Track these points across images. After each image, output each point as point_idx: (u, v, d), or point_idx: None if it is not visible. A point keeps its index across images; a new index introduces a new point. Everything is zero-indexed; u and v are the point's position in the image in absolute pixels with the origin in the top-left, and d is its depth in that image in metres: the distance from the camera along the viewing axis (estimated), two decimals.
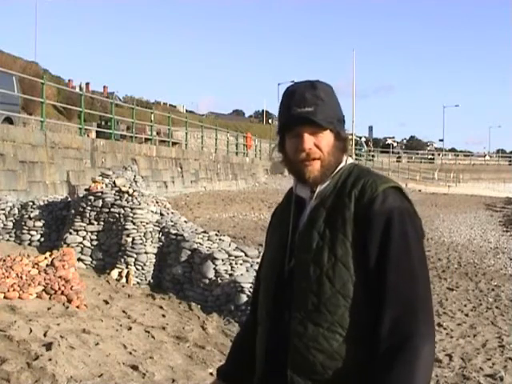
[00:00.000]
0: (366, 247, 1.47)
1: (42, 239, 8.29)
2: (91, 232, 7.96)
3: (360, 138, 75.62)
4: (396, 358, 1.39)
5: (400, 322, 1.42)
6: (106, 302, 6.40)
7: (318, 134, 1.55)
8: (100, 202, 8.05)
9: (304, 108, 1.53)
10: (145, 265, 7.70)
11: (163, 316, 6.29)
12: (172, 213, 8.68)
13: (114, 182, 8.29)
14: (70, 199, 8.90)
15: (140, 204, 8.06)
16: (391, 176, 40.86)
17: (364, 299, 1.47)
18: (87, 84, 45.05)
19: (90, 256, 7.89)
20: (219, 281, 7.02)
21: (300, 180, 1.60)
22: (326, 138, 1.56)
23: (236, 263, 7.30)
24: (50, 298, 5.93)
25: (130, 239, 7.75)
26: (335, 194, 1.55)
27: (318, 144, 1.55)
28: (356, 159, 46.92)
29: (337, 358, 1.46)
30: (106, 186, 8.26)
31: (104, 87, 49.62)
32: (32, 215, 8.39)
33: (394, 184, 1.55)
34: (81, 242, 7.91)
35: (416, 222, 1.53)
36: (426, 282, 1.49)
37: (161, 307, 6.64)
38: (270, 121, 70.76)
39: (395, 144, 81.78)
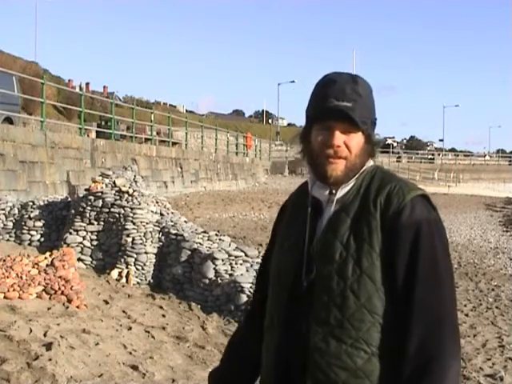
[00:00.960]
0: (394, 260, 1.40)
1: (42, 239, 8.29)
2: (91, 232, 7.96)
3: None
4: (422, 378, 1.34)
5: (427, 340, 1.36)
6: (106, 302, 6.40)
7: (350, 133, 1.45)
8: (100, 202, 8.05)
9: (342, 102, 1.43)
10: (145, 265, 7.70)
11: (163, 316, 6.29)
12: (172, 213, 8.68)
13: (114, 182, 8.29)
14: (69, 199, 8.90)
15: (140, 204, 8.05)
16: None
17: (390, 315, 1.41)
18: (87, 84, 45.07)
19: (90, 256, 7.89)
20: (219, 281, 7.02)
21: (319, 177, 1.49)
22: (357, 139, 1.47)
23: (236, 263, 7.30)
24: (49, 298, 5.93)
25: (129, 239, 7.75)
26: (359, 201, 1.47)
27: (348, 143, 1.46)
28: None
29: (361, 375, 1.39)
30: (106, 186, 8.26)
31: (104, 87, 49.67)
32: (32, 215, 8.39)
33: (421, 192, 1.48)
34: (81, 242, 7.91)
35: (443, 233, 1.47)
36: (453, 298, 1.44)
37: (161, 307, 6.64)
38: (270, 121, 70.76)
39: (395, 144, 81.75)
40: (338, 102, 1.43)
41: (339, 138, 1.44)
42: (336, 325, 1.40)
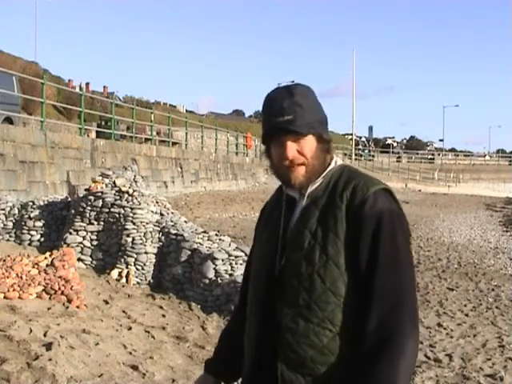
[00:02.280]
0: (357, 247, 1.52)
1: (42, 239, 8.29)
2: (91, 232, 7.96)
3: (360, 138, 75.69)
4: (380, 355, 1.44)
5: (385, 320, 1.47)
6: (106, 302, 6.40)
7: (300, 141, 1.58)
8: (100, 202, 8.05)
9: (283, 117, 1.56)
10: (145, 265, 7.70)
11: (163, 316, 6.29)
12: (172, 213, 8.68)
13: (114, 182, 8.29)
14: (69, 199, 8.90)
15: (140, 204, 8.05)
16: (391, 176, 40.90)
17: (353, 297, 1.52)
18: (87, 84, 45.04)
19: (90, 256, 7.89)
20: (219, 281, 7.02)
21: (286, 185, 1.65)
22: (309, 143, 1.59)
23: (236, 263, 7.30)
24: (50, 298, 5.93)
25: (130, 239, 7.75)
26: (327, 195, 1.60)
27: (301, 150, 1.58)
28: (356, 159, 46.94)
29: (326, 353, 1.51)
30: (106, 186, 8.26)
31: (104, 87, 49.61)
32: (32, 215, 8.39)
33: (384, 186, 1.60)
34: (81, 242, 7.91)
35: (404, 224, 1.58)
36: (411, 283, 1.54)
37: (161, 307, 6.64)
38: None
39: (395, 144, 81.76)
40: (279, 119, 1.56)
41: (291, 149, 1.58)
42: (304, 306, 1.53)
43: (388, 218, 1.53)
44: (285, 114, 1.56)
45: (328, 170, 1.65)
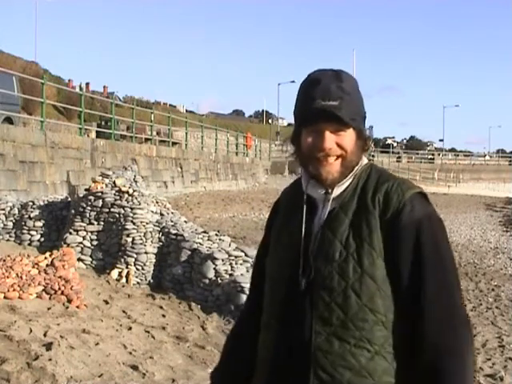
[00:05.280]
0: (398, 259, 1.40)
1: (42, 239, 8.29)
2: (91, 232, 7.96)
3: None
4: (441, 370, 1.35)
5: (441, 336, 1.37)
6: (106, 302, 6.40)
7: (341, 132, 1.43)
8: (100, 202, 8.05)
9: (328, 101, 1.39)
10: (145, 265, 7.70)
11: (163, 316, 6.29)
12: (172, 213, 8.68)
13: (114, 182, 8.29)
14: (69, 199, 8.90)
15: (140, 204, 8.05)
16: None
17: (393, 313, 1.41)
18: (87, 84, 45.10)
19: (90, 256, 7.89)
20: (219, 281, 7.02)
21: (316, 178, 1.47)
22: (349, 136, 1.44)
23: (236, 263, 7.30)
24: (49, 298, 5.93)
25: (130, 239, 7.75)
26: (356, 200, 1.45)
27: (340, 142, 1.43)
28: None
29: (365, 374, 1.39)
30: (106, 186, 8.26)
31: (104, 87, 49.67)
32: (32, 215, 8.39)
33: (419, 189, 1.47)
34: (81, 242, 7.91)
35: (443, 227, 1.47)
36: (459, 291, 1.45)
37: (161, 307, 6.64)
38: (269, 121, 70.78)
39: (395, 144, 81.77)
40: (324, 102, 1.40)
41: (330, 140, 1.42)
42: (339, 325, 1.39)
43: (428, 226, 1.41)
44: (331, 99, 1.39)
45: (354, 170, 1.49)
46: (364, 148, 1.49)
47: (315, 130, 1.43)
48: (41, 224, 8.33)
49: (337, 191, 1.47)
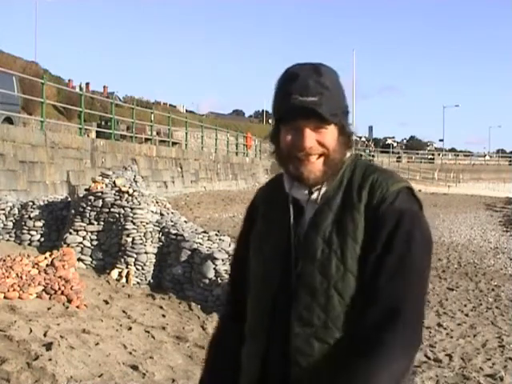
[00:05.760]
0: (368, 248, 1.32)
1: (42, 239, 8.29)
2: (91, 232, 7.96)
3: (360, 138, 75.68)
4: (359, 364, 1.27)
5: (376, 325, 1.28)
6: (106, 302, 6.40)
7: (321, 129, 1.35)
8: (100, 202, 8.05)
9: (307, 97, 1.31)
10: (145, 265, 7.70)
11: (163, 316, 6.29)
12: (172, 213, 8.68)
13: (114, 182, 8.29)
14: (69, 199, 8.90)
15: (140, 204, 8.05)
16: None
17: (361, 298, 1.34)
18: (87, 84, 45.10)
19: (90, 256, 7.89)
20: (219, 281, 7.02)
21: (296, 179, 1.40)
22: (331, 133, 1.36)
23: None
24: (49, 298, 5.93)
25: (130, 239, 7.75)
26: (342, 195, 1.38)
27: (321, 140, 1.35)
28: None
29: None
30: (106, 186, 8.26)
31: (104, 87, 49.67)
32: (32, 215, 8.38)
33: (406, 184, 1.40)
34: (81, 242, 7.91)
35: (425, 228, 1.36)
36: (419, 294, 1.33)
37: (161, 307, 6.64)
38: (269, 121, 70.81)
39: (395, 144, 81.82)
40: (302, 98, 1.31)
41: (310, 138, 1.34)
42: (320, 325, 1.33)
43: (408, 220, 1.32)
44: (310, 94, 1.31)
45: (343, 166, 1.42)
46: (348, 144, 1.41)
47: (294, 128, 1.35)
48: (41, 224, 8.33)
49: (323, 189, 1.39)
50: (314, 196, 1.40)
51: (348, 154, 1.44)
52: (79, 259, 7.76)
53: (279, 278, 1.39)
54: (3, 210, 8.54)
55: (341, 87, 1.40)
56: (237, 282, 1.58)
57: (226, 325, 1.62)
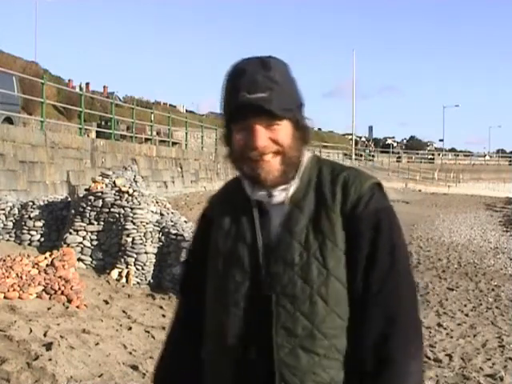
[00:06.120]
0: (355, 254, 1.27)
1: (42, 239, 8.29)
2: (91, 232, 7.96)
3: (360, 138, 75.74)
4: (387, 374, 1.22)
5: (383, 339, 1.23)
6: (106, 302, 6.40)
7: (274, 126, 1.26)
8: (100, 202, 8.06)
9: (256, 94, 1.22)
10: (145, 265, 7.70)
11: (163, 316, 6.29)
12: (172, 213, 8.68)
13: (114, 182, 8.29)
14: (69, 199, 8.90)
15: (140, 204, 8.06)
16: (391, 176, 40.91)
17: (351, 315, 1.28)
18: (87, 84, 45.07)
19: (90, 256, 7.89)
20: None
21: (253, 182, 1.31)
22: (285, 129, 1.27)
23: None
24: (49, 298, 5.93)
25: (130, 239, 7.75)
26: (314, 195, 1.31)
27: (275, 138, 1.26)
28: (356, 159, 46.98)
29: None
30: (106, 186, 8.26)
31: (104, 87, 49.62)
32: (32, 215, 8.39)
33: (376, 180, 1.36)
34: (81, 242, 7.91)
35: (398, 223, 1.35)
36: (413, 293, 1.32)
37: (161, 307, 6.64)
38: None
39: (395, 144, 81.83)
40: (250, 95, 1.23)
41: (262, 136, 1.25)
42: (305, 335, 1.24)
43: (386, 220, 1.30)
44: (258, 91, 1.22)
45: (304, 164, 1.35)
46: (304, 139, 1.32)
47: (245, 127, 1.26)
48: (41, 224, 8.33)
49: (290, 190, 1.32)
50: (280, 198, 1.31)
51: (308, 154, 1.38)
52: (79, 259, 7.76)
53: (248, 288, 1.29)
54: (3, 209, 8.54)
55: (292, 80, 1.31)
56: (188, 300, 1.47)
57: (174, 352, 1.46)
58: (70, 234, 7.94)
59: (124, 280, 7.55)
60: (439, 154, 62.91)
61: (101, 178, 8.46)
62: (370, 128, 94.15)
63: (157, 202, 8.69)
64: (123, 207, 7.97)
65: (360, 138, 76.43)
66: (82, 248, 7.89)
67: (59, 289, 6.03)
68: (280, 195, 1.32)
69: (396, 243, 1.30)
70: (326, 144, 46.59)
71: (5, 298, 5.65)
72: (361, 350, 1.25)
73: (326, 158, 1.46)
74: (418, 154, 62.16)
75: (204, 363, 1.38)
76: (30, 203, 8.63)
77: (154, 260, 7.79)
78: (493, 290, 9.05)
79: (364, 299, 1.26)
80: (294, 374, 1.24)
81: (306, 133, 1.32)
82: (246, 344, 1.28)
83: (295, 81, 1.32)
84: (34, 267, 6.34)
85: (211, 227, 1.40)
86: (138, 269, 7.67)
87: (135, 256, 7.68)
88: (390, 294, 1.26)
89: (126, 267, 7.65)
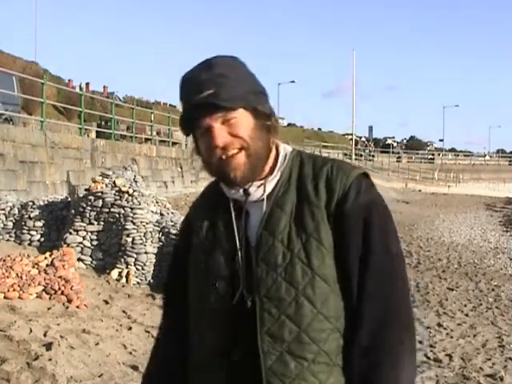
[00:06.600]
0: (345, 252, 1.22)
1: (42, 239, 8.29)
2: (91, 232, 7.97)
3: (360, 138, 75.76)
4: (376, 377, 1.19)
5: (378, 338, 1.20)
6: (106, 302, 6.40)
7: (230, 120, 1.22)
8: (100, 202, 8.06)
9: (202, 93, 1.20)
10: (145, 265, 7.70)
11: None
12: (172, 213, 8.68)
13: (114, 182, 8.29)
14: (69, 199, 8.90)
15: (140, 204, 8.06)
16: (391, 176, 40.91)
17: (346, 315, 1.24)
18: (87, 84, 45.11)
19: (90, 256, 7.90)
20: None
21: (227, 183, 1.28)
22: (243, 120, 1.22)
23: None
24: (49, 298, 5.93)
25: (130, 239, 7.75)
26: (295, 191, 1.26)
27: (234, 131, 1.22)
28: (356, 159, 46.99)
29: None
30: (106, 186, 8.26)
31: (104, 87, 49.67)
32: (32, 215, 8.39)
33: (362, 170, 1.30)
34: (81, 242, 7.91)
35: (390, 214, 1.29)
36: (406, 288, 1.27)
37: (161, 307, 6.64)
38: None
39: (395, 144, 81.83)
40: (198, 96, 1.20)
41: (220, 133, 1.22)
42: (292, 340, 1.20)
43: (377, 213, 1.24)
44: (203, 89, 1.20)
45: (281, 159, 1.30)
46: (269, 127, 1.26)
47: (204, 129, 1.23)
48: (41, 224, 8.34)
49: (267, 186, 1.27)
50: (257, 195, 1.27)
51: (289, 148, 1.33)
52: (79, 259, 7.76)
53: (226, 292, 1.25)
54: (3, 209, 8.54)
55: (243, 70, 1.27)
56: (172, 310, 1.45)
57: (160, 365, 1.42)
58: (70, 234, 7.94)
59: (124, 280, 7.55)
60: (439, 154, 62.92)
61: (101, 177, 8.46)
62: (370, 128, 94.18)
63: (157, 202, 8.70)
64: (123, 207, 7.97)
65: (360, 138, 76.44)
66: (81, 248, 7.90)
67: (59, 289, 6.03)
68: (257, 192, 1.27)
69: (389, 238, 1.25)
70: (325, 144, 46.64)
71: (5, 298, 5.65)
72: (353, 351, 1.21)
73: (308, 152, 1.39)
74: (418, 154, 62.15)
75: (190, 376, 1.34)
76: (30, 203, 8.63)
77: (153, 260, 7.79)
78: (493, 290, 9.05)
79: (356, 299, 1.22)
80: (282, 381, 1.20)
81: (269, 121, 1.26)
82: (230, 353, 1.23)
83: (247, 71, 1.28)
84: (34, 267, 6.34)
85: (192, 227, 1.37)
86: (137, 269, 7.67)
87: (135, 256, 7.68)
88: (383, 294, 1.21)
89: (126, 267, 7.65)
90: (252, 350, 1.21)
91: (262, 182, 1.28)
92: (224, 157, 1.23)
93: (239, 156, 1.23)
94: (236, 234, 1.26)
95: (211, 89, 1.20)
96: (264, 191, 1.27)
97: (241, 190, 1.27)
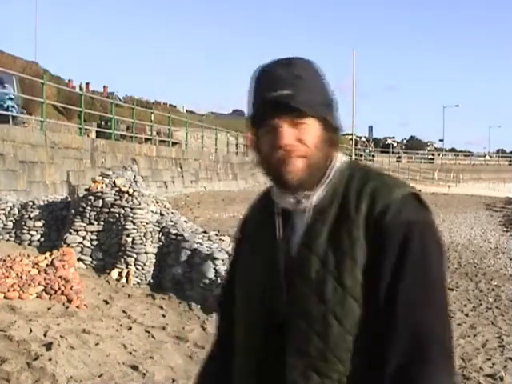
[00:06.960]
0: (377, 271, 1.15)
1: (42, 239, 8.29)
2: (91, 232, 7.96)
3: (360, 138, 75.75)
4: None
5: (409, 370, 1.12)
6: (106, 302, 6.40)
7: (301, 125, 1.19)
8: (100, 202, 8.06)
9: (280, 91, 1.17)
10: (145, 265, 7.70)
11: (163, 316, 6.29)
12: (172, 213, 8.68)
13: (114, 182, 8.29)
14: (69, 199, 8.90)
15: (140, 204, 8.06)
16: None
17: (366, 336, 1.17)
18: (87, 84, 45.10)
19: (90, 256, 7.89)
20: (219, 281, 7.02)
21: (280, 186, 1.24)
22: (312, 129, 1.20)
23: None
24: (49, 298, 5.93)
25: (130, 239, 7.75)
26: (337, 205, 1.22)
27: (301, 137, 1.20)
28: (356, 159, 47.03)
29: None
30: (106, 186, 8.26)
31: (104, 87, 49.64)
32: (32, 215, 8.39)
33: (411, 189, 1.22)
34: (81, 242, 7.91)
35: (438, 238, 1.22)
36: (445, 316, 1.18)
37: (161, 307, 6.64)
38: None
39: (395, 144, 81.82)
40: (274, 93, 1.17)
41: (288, 135, 1.19)
42: (318, 356, 1.16)
43: (418, 233, 1.17)
44: (281, 87, 1.17)
45: (333, 172, 1.25)
46: (333, 142, 1.24)
47: (271, 128, 1.20)
48: (41, 224, 8.34)
49: (314, 197, 1.23)
50: (304, 205, 1.24)
51: (343, 158, 1.29)
52: (79, 259, 7.76)
53: (271, 304, 1.23)
54: (3, 209, 8.54)
55: (319, 77, 1.25)
56: (229, 309, 1.43)
57: (217, 361, 1.44)
58: (70, 233, 7.94)
59: (124, 280, 7.55)
60: (439, 154, 62.91)
61: (101, 178, 8.46)
62: (370, 128, 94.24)
63: (157, 202, 8.69)
64: (123, 207, 7.97)
65: (360, 137, 76.39)
66: (82, 248, 7.89)
67: (59, 289, 6.03)
68: (306, 202, 1.24)
69: (429, 261, 1.16)
70: None
71: (5, 298, 5.65)
72: (381, 376, 1.13)
73: (363, 164, 1.34)
74: (418, 154, 62.16)
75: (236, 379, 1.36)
76: (30, 203, 8.63)
77: (153, 260, 7.79)
78: (493, 290, 9.05)
79: (388, 320, 1.14)
80: None
81: (335, 134, 1.25)
82: (260, 361, 1.24)
83: (323, 78, 1.26)
84: (34, 267, 6.34)
85: (247, 230, 1.38)
86: (138, 269, 7.67)
87: (135, 256, 7.68)
88: (417, 317, 1.13)
89: (126, 267, 7.65)
90: (279, 360, 1.21)
91: (311, 192, 1.24)
92: (286, 159, 1.20)
93: (299, 162, 1.20)
94: (279, 243, 1.25)
95: (288, 89, 1.18)
96: (310, 202, 1.24)
97: (292, 199, 1.24)
